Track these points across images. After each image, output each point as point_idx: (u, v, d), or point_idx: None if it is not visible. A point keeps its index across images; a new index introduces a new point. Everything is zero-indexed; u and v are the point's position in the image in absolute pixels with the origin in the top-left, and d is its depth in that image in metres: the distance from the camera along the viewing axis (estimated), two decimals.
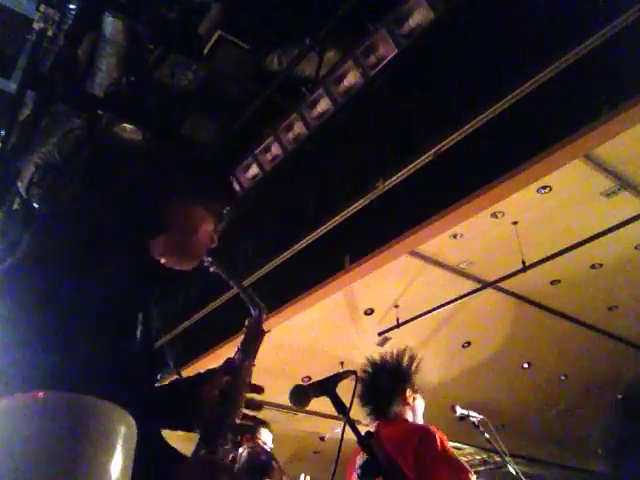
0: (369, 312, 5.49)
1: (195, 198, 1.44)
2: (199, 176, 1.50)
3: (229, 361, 1.45)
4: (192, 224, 1.44)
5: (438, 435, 2.76)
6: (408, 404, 3.05)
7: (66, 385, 0.79)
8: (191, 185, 1.45)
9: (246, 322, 1.53)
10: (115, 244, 1.25)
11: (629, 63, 2.74)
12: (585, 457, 8.76)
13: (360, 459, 2.96)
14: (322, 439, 7.62)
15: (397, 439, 2.85)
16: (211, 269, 1.52)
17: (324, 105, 3.74)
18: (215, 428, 1.28)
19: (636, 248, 4.77)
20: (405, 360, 3.14)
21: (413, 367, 3.14)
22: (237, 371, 1.42)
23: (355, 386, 1.69)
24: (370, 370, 3.16)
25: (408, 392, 3.07)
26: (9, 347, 1.04)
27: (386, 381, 3.08)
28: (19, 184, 4.08)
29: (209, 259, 1.50)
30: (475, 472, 2.79)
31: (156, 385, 1.41)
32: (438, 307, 5.14)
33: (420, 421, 3.07)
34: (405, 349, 3.18)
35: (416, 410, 3.07)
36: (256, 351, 1.50)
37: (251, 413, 1.39)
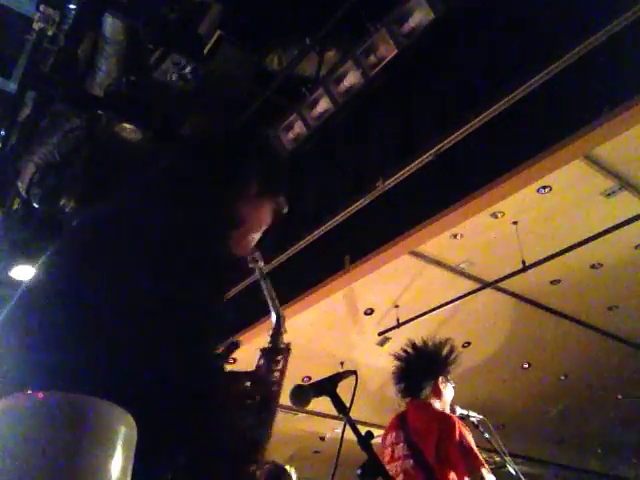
0: (369, 312, 5.49)
1: (267, 194, 1.42)
2: (275, 174, 1.48)
3: (256, 369, 1.42)
4: (261, 220, 1.42)
5: (457, 425, 2.97)
6: (439, 390, 3.25)
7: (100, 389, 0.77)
8: (268, 181, 1.43)
9: (270, 332, 1.51)
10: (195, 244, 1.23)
11: (629, 63, 2.74)
12: (585, 457, 8.76)
13: (390, 437, 3.14)
14: (322, 439, 7.63)
15: (421, 427, 3.07)
16: (251, 264, 1.50)
17: (324, 105, 3.74)
18: (250, 452, 1.22)
19: (636, 248, 4.78)
20: (445, 350, 3.34)
21: (451, 357, 3.33)
22: (262, 381, 1.38)
23: (355, 386, 1.69)
24: (410, 351, 3.33)
25: (441, 379, 3.27)
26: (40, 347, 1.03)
27: (422, 365, 3.30)
28: (19, 184, 4.08)
29: (257, 254, 1.49)
30: None
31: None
32: (438, 307, 5.15)
33: (446, 407, 3.26)
34: (447, 340, 3.38)
35: (444, 397, 3.26)
36: (283, 370, 1.46)
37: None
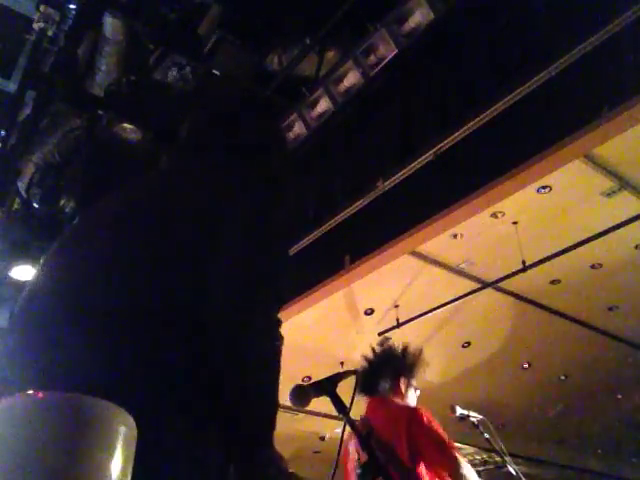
0: (369, 312, 5.49)
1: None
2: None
3: None
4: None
5: (424, 414, 2.83)
6: (399, 390, 3.05)
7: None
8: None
9: None
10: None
11: (629, 63, 2.74)
12: (585, 457, 8.76)
13: (354, 451, 2.96)
14: (322, 439, 7.62)
15: (387, 422, 2.87)
16: None
17: (324, 105, 3.74)
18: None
19: (636, 248, 4.77)
20: (412, 355, 3.16)
21: (417, 363, 3.15)
22: None
23: (355, 386, 1.69)
24: (375, 352, 3.20)
25: (402, 380, 3.07)
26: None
27: (383, 363, 3.11)
28: (19, 184, 4.08)
29: None
30: (475, 472, 2.84)
31: None
32: (438, 307, 5.14)
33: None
34: (419, 349, 3.21)
35: (406, 400, 3.06)
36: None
37: None
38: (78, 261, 1.15)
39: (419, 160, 3.53)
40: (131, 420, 0.75)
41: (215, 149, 1.36)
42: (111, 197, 1.30)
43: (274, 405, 1.13)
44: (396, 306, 5.39)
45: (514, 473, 3.12)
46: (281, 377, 1.29)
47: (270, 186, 1.33)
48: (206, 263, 1.09)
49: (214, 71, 3.97)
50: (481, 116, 3.22)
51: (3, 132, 4.21)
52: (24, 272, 4.26)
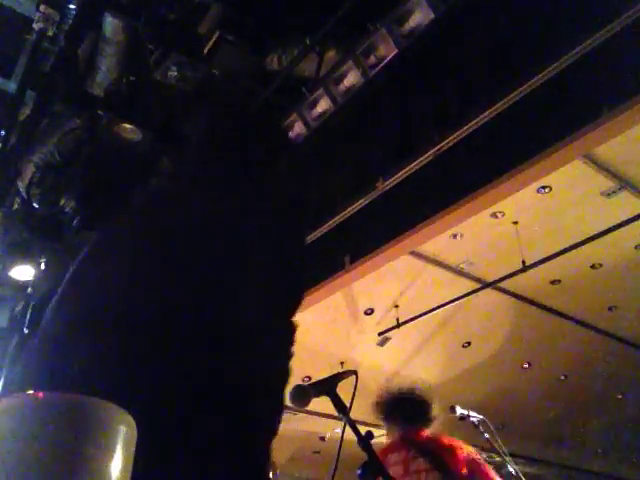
0: (369, 312, 5.49)
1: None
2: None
3: None
4: None
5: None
6: None
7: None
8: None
9: None
10: None
11: (629, 63, 2.75)
12: (585, 457, 8.76)
13: (397, 455, 3.05)
14: (322, 439, 7.63)
15: (443, 444, 3.03)
16: None
17: (324, 105, 3.73)
18: None
19: (636, 248, 4.78)
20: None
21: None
22: None
23: (355, 386, 1.69)
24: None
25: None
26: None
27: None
28: (19, 184, 4.08)
29: None
30: None
31: None
32: (438, 307, 5.15)
33: None
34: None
35: None
36: None
37: None
38: (96, 273, 1.14)
39: (419, 160, 3.53)
40: (131, 420, 0.75)
41: (224, 159, 1.34)
42: (128, 210, 1.31)
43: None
44: (396, 306, 5.40)
45: (514, 473, 3.13)
46: None
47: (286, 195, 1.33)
48: (229, 277, 1.09)
49: (214, 71, 3.97)
50: (481, 116, 3.22)
51: (3, 132, 4.20)
52: (24, 272, 4.27)
